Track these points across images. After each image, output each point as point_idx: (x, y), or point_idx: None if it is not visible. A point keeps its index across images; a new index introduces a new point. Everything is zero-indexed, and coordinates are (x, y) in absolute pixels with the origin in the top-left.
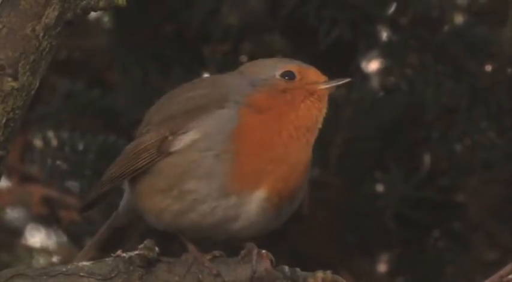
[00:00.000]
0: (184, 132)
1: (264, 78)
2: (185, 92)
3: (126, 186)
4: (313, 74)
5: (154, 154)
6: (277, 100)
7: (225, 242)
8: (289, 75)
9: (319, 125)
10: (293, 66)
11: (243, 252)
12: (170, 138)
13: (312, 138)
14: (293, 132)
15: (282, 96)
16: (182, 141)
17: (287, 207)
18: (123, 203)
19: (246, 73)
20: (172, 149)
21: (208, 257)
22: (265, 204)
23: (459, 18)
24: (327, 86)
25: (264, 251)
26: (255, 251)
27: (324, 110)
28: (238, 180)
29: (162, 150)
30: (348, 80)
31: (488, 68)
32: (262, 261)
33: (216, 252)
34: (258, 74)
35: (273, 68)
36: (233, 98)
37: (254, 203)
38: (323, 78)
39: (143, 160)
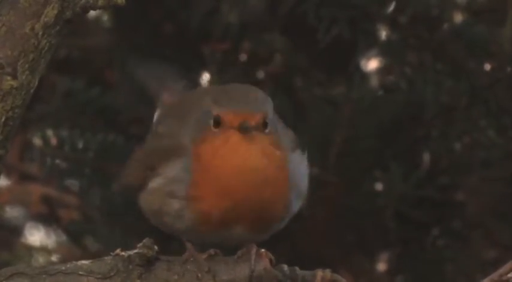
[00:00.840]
0: (156, 174)
1: (203, 123)
2: (164, 121)
3: None
4: (229, 117)
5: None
6: (207, 150)
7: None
8: (216, 123)
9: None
10: (217, 110)
11: (240, 251)
12: (149, 173)
13: (258, 167)
14: (241, 171)
15: (208, 146)
16: (154, 181)
17: (277, 223)
18: None
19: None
20: (149, 185)
21: (205, 255)
22: (247, 233)
23: (458, 17)
24: (239, 132)
25: (263, 250)
26: (254, 250)
27: (250, 148)
28: (207, 224)
29: (146, 180)
30: None
31: (488, 66)
32: (261, 260)
33: (212, 251)
34: (201, 114)
35: (210, 115)
36: (186, 146)
37: (235, 235)
38: (237, 120)
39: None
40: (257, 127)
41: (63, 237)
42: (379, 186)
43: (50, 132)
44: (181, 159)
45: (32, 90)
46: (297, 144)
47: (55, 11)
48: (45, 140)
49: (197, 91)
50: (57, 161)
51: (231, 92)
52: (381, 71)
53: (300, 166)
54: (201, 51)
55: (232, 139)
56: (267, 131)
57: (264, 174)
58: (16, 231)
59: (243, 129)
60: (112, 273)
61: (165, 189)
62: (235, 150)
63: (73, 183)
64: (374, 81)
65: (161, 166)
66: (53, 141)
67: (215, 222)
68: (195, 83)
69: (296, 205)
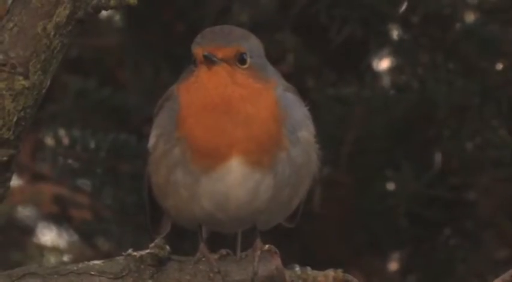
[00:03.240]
0: (151, 133)
1: (190, 65)
2: None
3: None
4: (197, 53)
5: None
6: (189, 89)
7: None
8: (194, 62)
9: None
10: (193, 49)
11: (244, 253)
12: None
13: (238, 95)
14: (223, 98)
15: (188, 85)
16: (151, 138)
17: (282, 155)
18: None
19: None
20: (149, 145)
21: (216, 256)
22: (248, 165)
23: (470, 17)
24: (205, 64)
25: (268, 245)
26: (258, 252)
27: (219, 78)
28: (204, 160)
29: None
30: None
31: (500, 66)
32: (273, 259)
33: (223, 251)
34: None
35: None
36: (173, 90)
37: (236, 170)
38: (201, 53)
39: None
40: (226, 60)
41: (75, 237)
42: (390, 186)
43: (61, 132)
44: (167, 104)
45: (43, 91)
46: (295, 92)
47: (67, 11)
48: (57, 139)
49: None
50: (69, 160)
51: (210, 31)
52: (393, 71)
53: (292, 102)
54: None
55: (199, 72)
56: (244, 66)
57: (235, 94)
58: (28, 231)
59: (207, 62)
60: (124, 273)
61: (162, 138)
62: (201, 82)
63: (85, 183)
64: (386, 81)
65: (155, 120)
66: (65, 141)
67: (209, 154)
68: None
69: (295, 141)
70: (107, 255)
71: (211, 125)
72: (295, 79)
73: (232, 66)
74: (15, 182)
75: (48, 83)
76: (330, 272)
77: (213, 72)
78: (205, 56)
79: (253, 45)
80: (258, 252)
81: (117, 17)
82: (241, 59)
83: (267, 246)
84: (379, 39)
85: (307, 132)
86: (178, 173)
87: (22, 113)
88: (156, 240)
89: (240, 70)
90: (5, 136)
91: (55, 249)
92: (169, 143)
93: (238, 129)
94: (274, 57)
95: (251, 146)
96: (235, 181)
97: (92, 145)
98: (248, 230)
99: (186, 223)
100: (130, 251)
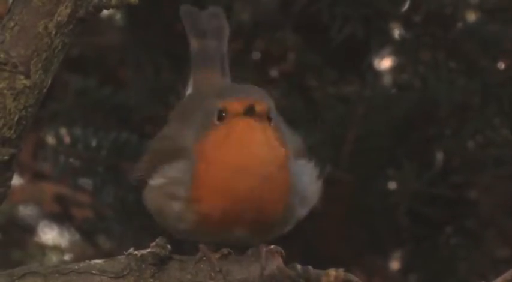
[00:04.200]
0: (156, 172)
1: (206, 120)
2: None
3: None
4: (233, 105)
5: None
6: (211, 146)
7: None
8: (219, 117)
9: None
10: (220, 102)
11: (250, 250)
12: (151, 169)
13: (263, 158)
14: (243, 167)
15: (211, 141)
16: (155, 179)
17: (278, 226)
18: None
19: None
20: (150, 182)
21: (218, 255)
22: (249, 235)
23: (472, 16)
24: (246, 116)
25: (272, 246)
26: (264, 249)
27: (257, 133)
28: (208, 226)
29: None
30: None
31: (501, 65)
32: (274, 258)
33: (225, 250)
34: (206, 112)
35: (213, 111)
36: (188, 148)
37: (236, 236)
38: (243, 105)
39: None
40: (262, 115)
41: (76, 236)
42: (392, 185)
43: (63, 131)
44: (182, 161)
45: (45, 90)
46: (304, 152)
47: (68, 10)
48: (58, 138)
49: (199, 93)
50: (70, 159)
51: (234, 87)
52: (394, 70)
53: (304, 172)
54: None
55: (237, 126)
56: (271, 124)
57: (267, 170)
58: (29, 230)
59: (249, 113)
60: (125, 273)
61: (165, 190)
62: (240, 137)
63: (86, 181)
64: (387, 80)
65: (163, 166)
66: (66, 139)
67: (215, 224)
68: None
69: (301, 211)
70: (108, 254)
71: (226, 192)
72: (297, 78)
73: (264, 122)
74: (16, 181)
75: (50, 82)
76: (332, 271)
77: (252, 127)
78: (247, 109)
79: (272, 105)
80: (264, 249)
81: (118, 16)
82: (269, 118)
83: (272, 246)
84: (380, 38)
85: (314, 195)
86: (175, 220)
87: (23, 112)
88: (157, 240)
89: (269, 128)
90: (6, 135)
91: (56, 248)
92: (174, 198)
93: (250, 204)
94: (276, 56)
95: (258, 227)
96: (236, 238)
97: (93, 144)
98: None
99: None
100: (131, 250)
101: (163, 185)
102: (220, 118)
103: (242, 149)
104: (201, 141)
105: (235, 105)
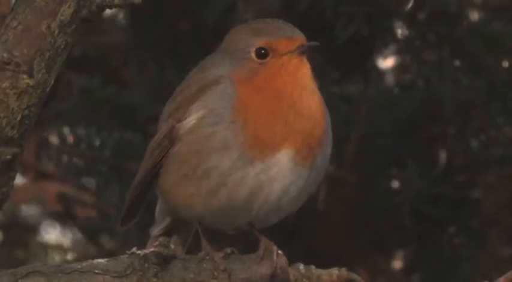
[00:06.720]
0: (188, 115)
1: (240, 58)
2: (184, 83)
3: (158, 192)
4: (283, 44)
5: (167, 145)
6: (255, 79)
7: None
8: (261, 54)
9: (310, 77)
10: (263, 41)
11: (260, 250)
12: (177, 125)
13: (310, 89)
14: (290, 94)
15: (258, 76)
16: (189, 122)
17: (320, 155)
18: (157, 212)
19: (227, 49)
20: (181, 131)
21: (221, 254)
22: (295, 159)
23: (476, 15)
24: (298, 54)
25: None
26: (275, 247)
27: (305, 69)
28: (256, 147)
29: (173, 137)
30: (316, 44)
31: (505, 64)
32: (279, 258)
33: (228, 250)
34: (235, 52)
35: (247, 46)
36: (223, 76)
37: (283, 163)
38: (294, 44)
39: (158, 155)
40: (306, 53)
41: (79, 236)
42: (395, 184)
43: (66, 130)
44: (218, 87)
45: (48, 89)
46: None
47: (71, 10)
48: (62, 138)
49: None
50: (74, 159)
51: (273, 25)
52: (398, 69)
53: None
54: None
55: (293, 62)
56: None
57: (314, 98)
58: (32, 229)
59: (302, 51)
60: (128, 272)
61: (207, 120)
62: (295, 72)
63: (89, 181)
64: (391, 79)
65: (199, 99)
66: (70, 139)
67: (264, 142)
68: None
69: (329, 143)
70: (111, 254)
71: (274, 112)
72: None
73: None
74: (19, 180)
75: (53, 81)
76: (334, 271)
77: (304, 64)
78: (299, 47)
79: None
80: (275, 247)
81: (121, 16)
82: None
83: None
84: (384, 37)
85: (331, 141)
86: (218, 157)
87: (26, 112)
88: (161, 239)
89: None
90: (9, 134)
91: (59, 248)
92: (219, 126)
93: (298, 122)
94: None
95: (305, 141)
96: (278, 174)
97: (97, 143)
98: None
99: (190, 216)
100: (134, 249)
101: (204, 116)
102: (262, 56)
103: (296, 81)
104: (242, 73)
105: (285, 44)
